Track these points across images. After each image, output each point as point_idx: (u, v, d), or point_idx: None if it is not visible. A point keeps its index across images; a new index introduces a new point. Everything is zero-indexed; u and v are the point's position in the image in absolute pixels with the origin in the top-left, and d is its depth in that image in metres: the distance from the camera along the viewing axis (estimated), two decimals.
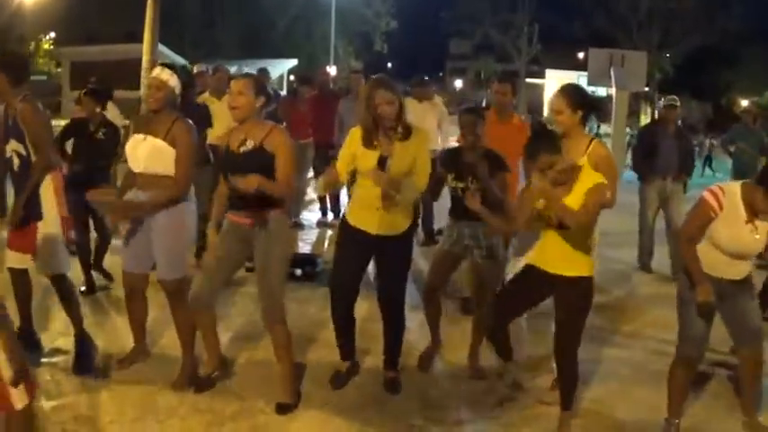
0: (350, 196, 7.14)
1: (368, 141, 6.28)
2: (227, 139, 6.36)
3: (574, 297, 6.04)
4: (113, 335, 7.98)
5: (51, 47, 49.98)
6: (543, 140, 5.88)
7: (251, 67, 35.86)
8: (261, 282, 6.37)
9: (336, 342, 6.92)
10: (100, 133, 9.40)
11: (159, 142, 6.54)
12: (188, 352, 6.97)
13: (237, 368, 7.33)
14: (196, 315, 6.64)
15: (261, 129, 6.25)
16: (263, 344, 7.45)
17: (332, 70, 44.76)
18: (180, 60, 33.77)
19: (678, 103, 12.36)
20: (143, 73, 24.20)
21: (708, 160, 32.59)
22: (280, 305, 6.43)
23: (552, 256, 6.02)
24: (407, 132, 6.29)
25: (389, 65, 68.79)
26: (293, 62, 48.86)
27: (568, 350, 6.14)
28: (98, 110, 9.42)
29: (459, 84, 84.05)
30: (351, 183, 7.02)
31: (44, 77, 41.27)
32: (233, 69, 15.46)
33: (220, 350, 7.03)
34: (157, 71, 6.67)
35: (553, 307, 6.22)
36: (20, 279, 7.21)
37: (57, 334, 7.84)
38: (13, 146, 6.91)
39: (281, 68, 44.54)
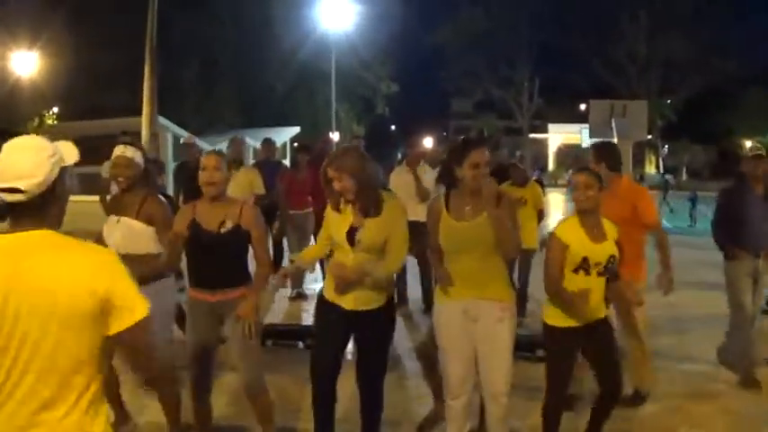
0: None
1: (335, 206, 6.09)
2: (190, 216, 6.21)
3: (610, 331, 6.33)
4: None
5: (55, 122, 50.15)
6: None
7: (253, 136, 36.08)
8: (241, 357, 6.23)
9: (315, 428, 6.42)
10: None
11: (134, 222, 6.44)
12: (175, 428, 6.76)
13: None
14: (195, 405, 6.45)
15: (232, 207, 6.22)
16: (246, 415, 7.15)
17: (335, 136, 44.85)
18: (181, 132, 33.82)
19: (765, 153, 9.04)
20: (144, 146, 24.17)
21: None
22: (260, 375, 6.32)
23: (594, 305, 6.10)
24: (377, 207, 5.95)
25: (393, 127, 68.88)
26: (296, 129, 49.05)
27: (620, 376, 6.32)
28: (161, 182, 9.08)
29: None
30: (328, 257, 6.75)
31: None
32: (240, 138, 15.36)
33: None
34: (121, 150, 6.51)
35: None
36: None
37: None
38: None
39: (284, 136, 44.72)
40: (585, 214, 6.15)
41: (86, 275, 3.18)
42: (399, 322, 11.04)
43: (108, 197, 7.25)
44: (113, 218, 6.54)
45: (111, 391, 6.94)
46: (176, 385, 6.62)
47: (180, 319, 8.39)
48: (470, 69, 68.84)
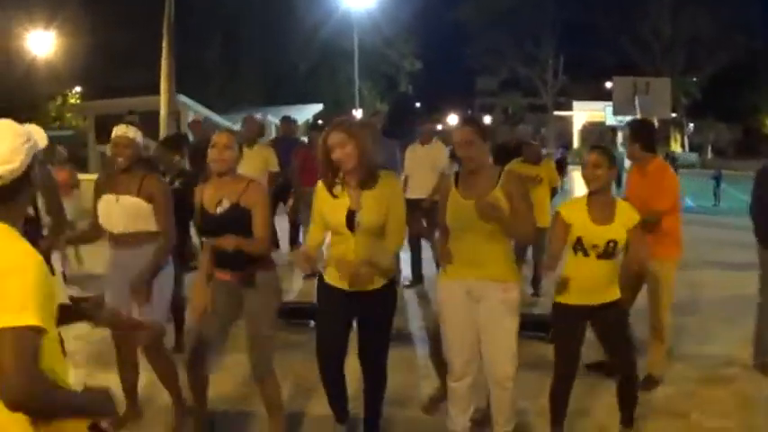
0: None
1: (329, 189, 5.89)
2: (200, 197, 6.17)
3: (619, 314, 6.24)
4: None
5: (78, 101, 50.37)
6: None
7: (275, 114, 35.96)
8: (250, 337, 6.17)
9: (329, 404, 6.43)
10: (176, 183, 8.63)
11: (136, 200, 6.42)
12: (178, 401, 6.78)
13: (228, 423, 7.02)
14: (190, 372, 6.33)
15: (237, 184, 6.09)
16: (254, 398, 7.00)
17: (358, 113, 44.77)
18: (203, 111, 33.78)
19: None
20: (161, 124, 24.17)
21: None
22: (269, 359, 6.23)
23: (594, 286, 6.06)
24: (373, 180, 5.81)
25: (418, 104, 68.63)
26: (318, 107, 48.92)
27: (632, 358, 6.24)
28: (177, 159, 9.03)
29: (488, 120, 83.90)
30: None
31: (70, 132, 41.47)
32: (257, 117, 15.31)
33: (207, 406, 6.63)
34: (123, 129, 6.50)
35: None
36: None
37: None
38: None
39: (306, 114, 44.57)
40: (595, 194, 6.05)
41: None
42: (413, 301, 11.05)
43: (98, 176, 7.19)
44: (111, 197, 6.49)
45: (129, 383, 6.97)
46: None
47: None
48: (494, 46, 68.60)
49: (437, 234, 6.60)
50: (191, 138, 15.48)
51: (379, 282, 5.91)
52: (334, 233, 5.90)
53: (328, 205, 5.86)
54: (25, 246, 3.08)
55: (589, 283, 6.03)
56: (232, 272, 6.07)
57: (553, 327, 6.46)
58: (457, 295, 5.98)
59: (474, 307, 5.92)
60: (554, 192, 11.61)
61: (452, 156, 7.77)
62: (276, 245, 13.69)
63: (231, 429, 6.92)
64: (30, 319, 2.87)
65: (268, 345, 6.22)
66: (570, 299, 6.10)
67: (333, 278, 5.97)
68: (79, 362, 8.39)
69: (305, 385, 7.62)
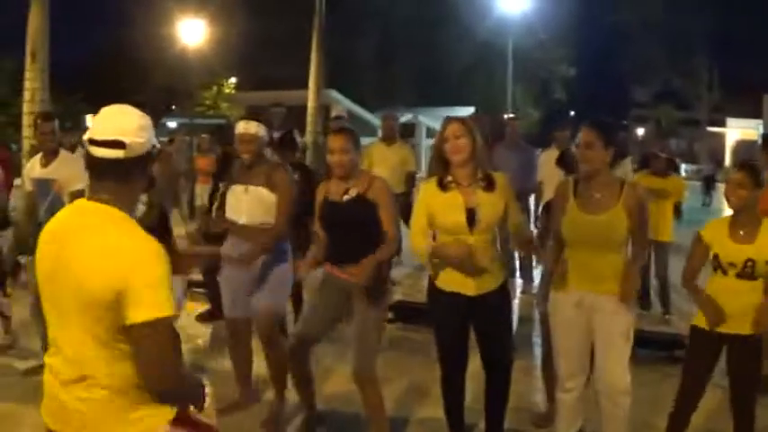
0: None
1: (441, 184, 5.74)
2: (324, 193, 6.20)
3: (753, 354, 5.77)
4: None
5: (233, 91, 51.24)
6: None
7: (428, 115, 35.96)
8: (356, 340, 6.10)
9: (447, 415, 6.27)
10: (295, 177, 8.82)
11: (262, 191, 6.47)
12: (280, 396, 6.79)
13: (335, 422, 6.95)
14: (293, 364, 6.42)
15: (362, 179, 6.11)
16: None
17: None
18: (352, 107, 33.97)
19: None
20: (308, 119, 24.30)
21: None
22: (372, 364, 6.12)
23: (734, 310, 5.67)
24: (490, 181, 5.71)
25: (572, 113, 67.93)
26: (470, 110, 48.82)
27: (751, 403, 5.85)
28: (297, 155, 9.16)
29: (640, 132, 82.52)
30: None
31: (221, 121, 42.25)
32: (409, 117, 15.34)
33: (314, 400, 6.71)
34: (245, 126, 6.55)
35: None
36: None
37: None
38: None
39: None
40: (738, 213, 5.79)
41: (112, 264, 3.00)
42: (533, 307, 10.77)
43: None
44: (240, 187, 6.58)
45: (243, 371, 7.07)
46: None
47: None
48: (649, 57, 67.49)
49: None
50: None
51: (500, 276, 5.85)
52: (448, 234, 5.73)
53: (439, 204, 5.72)
54: (146, 235, 3.16)
55: (728, 305, 5.68)
56: (341, 268, 6.02)
57: (688, 346, 6.16)
58: (568, 304, 5.78)
59: (584, 318, 5.73)
60: (677, 206, 11.24)
61: (558, 161, 7.54)
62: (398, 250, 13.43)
63: (337, 428, 6.87)
64: (168, 309, 3.03)
65: (372, 348, 6.13)
66: (704, 322, 5.82)
67: (447, 283, 5.81)
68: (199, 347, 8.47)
69: (419, 388, 7.59)
